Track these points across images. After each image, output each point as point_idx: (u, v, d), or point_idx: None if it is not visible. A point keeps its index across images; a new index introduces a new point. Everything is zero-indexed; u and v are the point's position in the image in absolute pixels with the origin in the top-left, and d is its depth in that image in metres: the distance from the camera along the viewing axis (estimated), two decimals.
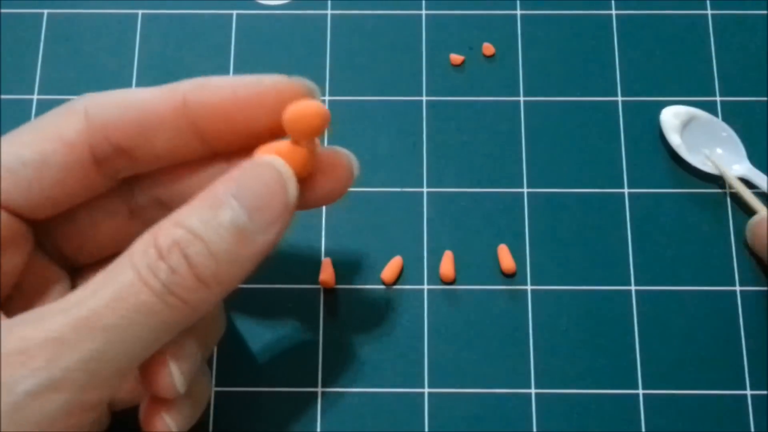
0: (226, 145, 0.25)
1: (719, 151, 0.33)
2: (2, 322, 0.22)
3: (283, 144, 0.24)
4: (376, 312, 0.31)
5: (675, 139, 0.33)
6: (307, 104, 0.23)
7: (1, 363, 0.21)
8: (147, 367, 0.24)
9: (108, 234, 0.27)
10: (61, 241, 0.26)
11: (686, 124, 0.33)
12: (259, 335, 0.31)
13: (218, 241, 0.22)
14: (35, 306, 0.22)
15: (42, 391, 0.21)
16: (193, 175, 0.26)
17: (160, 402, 0.25)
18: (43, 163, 0.24)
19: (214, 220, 0.22)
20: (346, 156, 0.26)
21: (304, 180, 0.24)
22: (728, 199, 0.33)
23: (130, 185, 0.26)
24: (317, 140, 0.24)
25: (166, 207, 0.25)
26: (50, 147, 0.24)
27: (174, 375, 0.24)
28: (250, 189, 0.22)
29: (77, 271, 0.27)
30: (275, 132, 0.24)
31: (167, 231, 0.22)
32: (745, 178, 0.33)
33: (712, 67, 0.35)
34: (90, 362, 0.21)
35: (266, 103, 0.24)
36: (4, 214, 0.24)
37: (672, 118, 0.33)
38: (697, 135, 0.33)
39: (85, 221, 0.26)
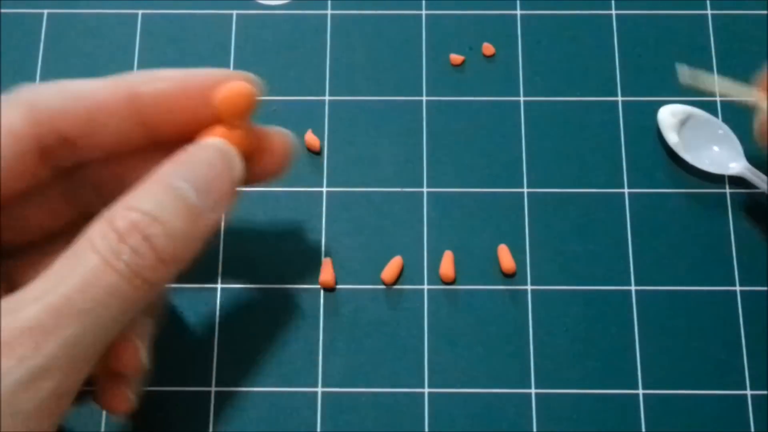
0: (169, 135, 0.26)
1: (716, 149, 0.33)
2: None
3: (221, 128, 0.25)
4: (376, 312, 0.31)
5: (672, 138, 0.33)
6: (234, 85, 0.25)
7: None
8: (114, 348, 0.24)
9: (39, 217, 0.27)
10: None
11: (684, 123, 0.33)
12: (259, 335, 0.31)
13: (174, 222, 0.23)
14: None
15: (32, 380, 0.21)
16: (132, 162, 0.26)
17: (119, 380, 0.26)
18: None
19: (169, 202, 0.23)
20: (283, 135, 0.27)
21: (245, 159, 0.25)
22: (728, 199, 0.33)
23: (68, 171, 0.26)
24: (250, 122, 0.26)
25: (101, 191, 0.26)
26: None
27: (141, 352, 0.25)
28: (199, 171, 0.24)
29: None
30: (217, 122, 0.25)
31: (123, 214, 0.23)
32: (743, 176, 0.33)
33: (713, 67, 0.35)
34: (71, 347, 0.21)
35: (211, 96, 0.25)
36: None
37: (669, 116, 0.33)
38: (695, 133, 0.33)
39: (17, 206, 0.26)
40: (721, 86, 0.32)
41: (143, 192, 0.23)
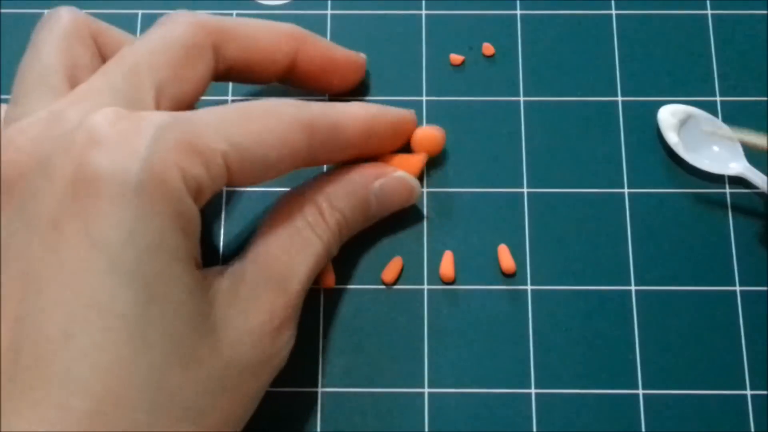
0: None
1: (716, 149, 0.33)
2: None
3: (412, 158, 0.32)
4: (376, 312, 0.31)
5: (672, 138, 0.33)
6: (429, 129, 0.32)
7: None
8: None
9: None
10: None
11: (684, 123, 0.33)
12: None
13: (357, 224, 0.30)
14: None
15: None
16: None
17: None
18: (268, 167, 0.27)
19: (360, 211, 0.30)
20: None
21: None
22: (728, 199, 0.33)
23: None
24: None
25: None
26: (281, 156, 0.27)
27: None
28: (389, 196, 0.31)
29: None
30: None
31: (332, 213, 0.29)
32: (743, 177, 0.33)
33: (712, 67, 0.35)
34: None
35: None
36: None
37: (669, 116, 0.33)
38: (695, 133, 0.33)
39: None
40: (754, 140, 0.32)
41: (347, 196, 0.29)
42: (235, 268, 0.27)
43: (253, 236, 0.28)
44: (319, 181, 0.29)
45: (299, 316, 0.28)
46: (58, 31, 0.28)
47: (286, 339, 0.27)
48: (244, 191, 0.33)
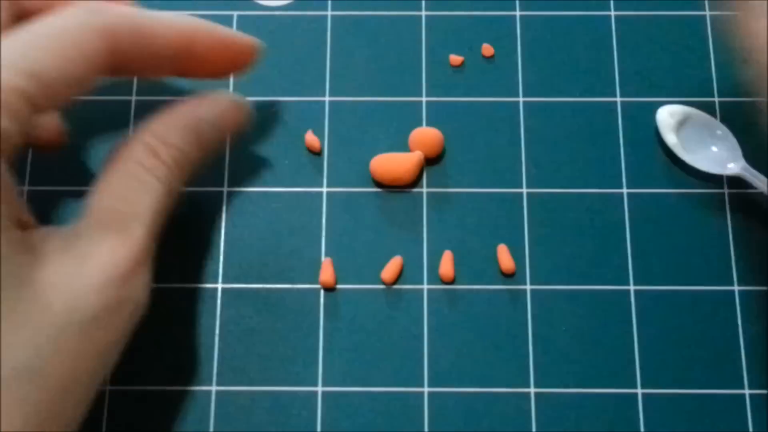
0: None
1: (715, 149, 0.33)
2: None
3: None
4: (376, 312, 0.31)
5: (671, 138, 0.33)
6: (427, 130, 0.33)
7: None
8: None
9: None
10: None
11: (682, 124, 0.33)
12: (259, 335, 0.31)
13: (193, 153, 0.29)
14: None
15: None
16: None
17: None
18: (78, 83, 0.26)
19: (194, 140, 0.29)
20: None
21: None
22: (727, 199, 0.33)
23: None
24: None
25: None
26: (85, 68, 0.26)
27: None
28: (220, 118, 0.30)
29: None
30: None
31: (162, 149, 0.28)
32: (741, 177, 0.33)
33: (711, 67, 0.35)
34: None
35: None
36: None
37: (668, 117, 0.33)
38: (693, 134, 0.33)
39: None
40: None
41: (177, 130, 0.28)
42: (71, 225, 0.26)
43: (90, 192, 0.27)
44: (149, 122, 0.29)
45: (152, 259, 0.27)
46: None
47: (139, 285, 0.26)
48: (244, 191, 0.33)
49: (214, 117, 0.30)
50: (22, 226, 0.25)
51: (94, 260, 0.25)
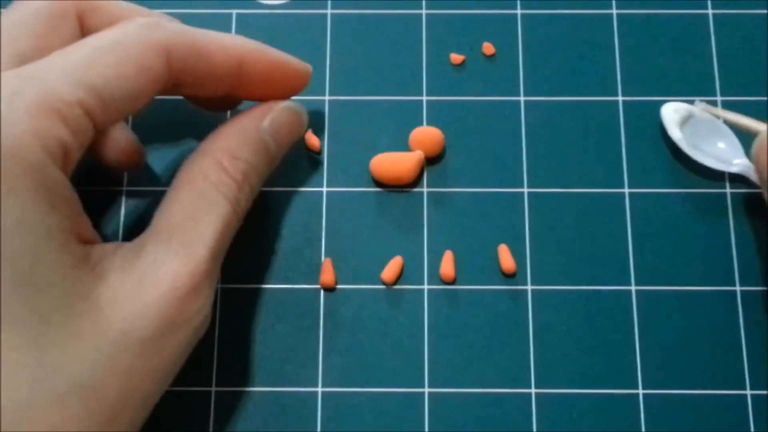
0: (249, 95, 0.31)
1: (721, 145, 0.33)
2: None
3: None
4: (376, 312, 0.31)
5: (676, 134, 0.33)
6: (427, 129, 0.33)
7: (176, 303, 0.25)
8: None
9: None
10: None
11: (685, 121, 0.33)
12: (259, 335, 0.31)
13: (263, 170, 0.29)
14: None
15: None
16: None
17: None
18: (138, 99, 0.26)
19: (262, 154, 0.29)
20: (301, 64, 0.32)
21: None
22: (729, 199, 0.33)
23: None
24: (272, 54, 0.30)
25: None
26: (145, 84, 0.26)
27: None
28: (280, 128, 0.30)
29: None
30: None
31: (235, 164, 0.28)
32: (745, 175, 0.33)
33: (713, 66, 0.35)
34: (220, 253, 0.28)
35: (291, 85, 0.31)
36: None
37: (672, 113, 0.33)
38: (698, 130, 0.33)
39: None
40: (732, 117, 0.33)
41: (244, 143, 0.28)
42: (135, 242, 0.26)
43: (157, 209, 0.27)
44: (213, 137, 0.28)
45: (215, 281, 0.27)
46: (32, 6, 0.28)
47: (197, 308, 0.26)
48: None
49: (275, 130, 0.29)
50: (85, 241, 0.25)
51: (154, 280, 0.25)
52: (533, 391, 0.30)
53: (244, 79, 0.29)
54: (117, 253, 0.25)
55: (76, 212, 0.25)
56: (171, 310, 0.25)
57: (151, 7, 0.35)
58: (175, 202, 0.27)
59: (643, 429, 0.30)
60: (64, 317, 0.23)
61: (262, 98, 0.30)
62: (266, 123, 0.29)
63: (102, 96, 0.24)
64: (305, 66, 0.31)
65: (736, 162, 0.33)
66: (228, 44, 0.28)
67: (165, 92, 0.28)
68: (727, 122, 0.33)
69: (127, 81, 0.25)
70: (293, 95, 0.31)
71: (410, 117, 0.34)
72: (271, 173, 0.30)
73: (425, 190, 0.33)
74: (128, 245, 0.26)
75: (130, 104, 0.26)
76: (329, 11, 0.36)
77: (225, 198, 0.27)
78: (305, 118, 0.31)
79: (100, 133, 0.26)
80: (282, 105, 0.30)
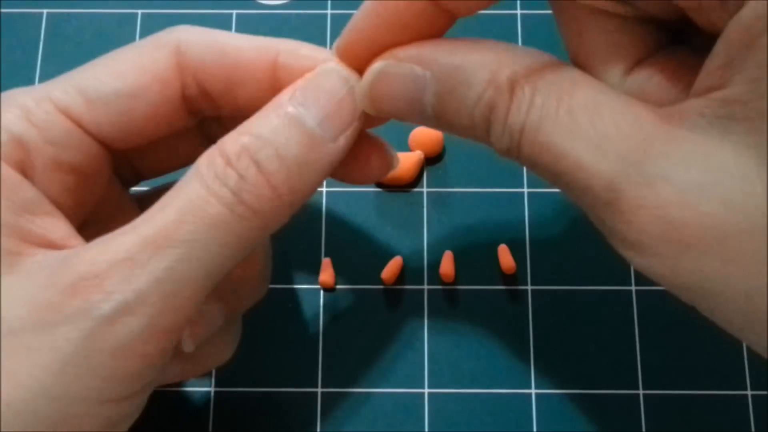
0: None
1: None
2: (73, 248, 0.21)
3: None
4: (376, 312, 0.31)
5: None
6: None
7: (74, 287, 0.20)
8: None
9: (181, 155, 0.26)
10: (135, 164, 0.26)
11: None
12: (259, 335, 0.31)
13: (289, 146, 0.21)
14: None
15: (116, 316, 0.20)
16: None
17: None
18: (135, 97, 0.23)
19: (284, 127, 0.21)
20: (386, 145, 0.26)
21: (357, 157, 0.25)
22: None
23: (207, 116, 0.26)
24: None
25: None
26: (144, 81, 0.23)
27: (183, 336, 0.24)
28: (318, 95, 0.22)
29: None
30: None
31: (234, 139, 0.21)
32: None
33: None
34: (163, 283, 0.20)
35: None
36: (91, 142, 0.23)
37: None
38: None
39: (160, 146, 0.25)
40: None
41: (258, 117, 0.22)
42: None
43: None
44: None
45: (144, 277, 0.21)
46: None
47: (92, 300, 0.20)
48: None
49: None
50: (41, 243, 0.22)
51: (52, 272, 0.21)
52: (533, 391, 0.30)
53: (278, 85, 0.24)
54: (49, 259, 0.22)
55: (28, 210, 0.22)
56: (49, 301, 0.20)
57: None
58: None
59: (643, 429, 0.30)
60: None
61: None
62: (296, 93, 0.22)
63: (86, 93, 0.23)
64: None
65: None
66: (258, 41, 0.24)
67: (196, 104, 0.24)
68: None
69: (119, 78, 0.23)
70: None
71: None
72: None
73: (425, 190, 0.33)
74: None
75: (131, 102, 0.23)
76: (329, 11, 0.36)
77: (198, 179, 0.21)
78: (357, 87, 0.23)
79: (121, 137, 0.23)
80: (322, 69, 0.23)
